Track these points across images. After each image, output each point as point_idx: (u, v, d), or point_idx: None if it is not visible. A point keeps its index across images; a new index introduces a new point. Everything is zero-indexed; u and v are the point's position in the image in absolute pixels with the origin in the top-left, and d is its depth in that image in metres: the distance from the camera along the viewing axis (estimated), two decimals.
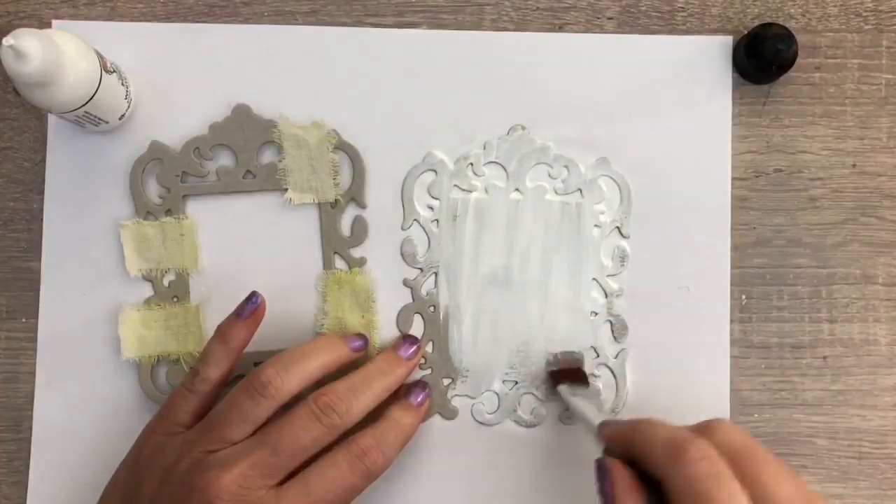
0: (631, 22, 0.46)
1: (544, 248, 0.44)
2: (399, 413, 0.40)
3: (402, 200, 0.44)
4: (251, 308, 0.40)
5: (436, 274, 0.44)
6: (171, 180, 0.44)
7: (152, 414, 0.40)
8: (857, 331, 0.45)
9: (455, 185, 0.44)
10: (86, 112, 0.40)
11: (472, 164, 0.44)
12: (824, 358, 0.45)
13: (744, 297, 0.45)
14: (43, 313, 0.44)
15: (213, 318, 0.44)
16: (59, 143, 0.44)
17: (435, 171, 0.45)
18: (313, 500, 0.36)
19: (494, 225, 0.44)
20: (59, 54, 0.36)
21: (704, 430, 0.35)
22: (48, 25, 0.45)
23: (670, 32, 0.46)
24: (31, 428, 0.44)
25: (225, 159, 0.44)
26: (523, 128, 0.45)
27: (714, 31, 0.46)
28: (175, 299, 0.44)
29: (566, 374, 0.43)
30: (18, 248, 0.45)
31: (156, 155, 0.44)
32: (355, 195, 0.44)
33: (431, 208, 0.45)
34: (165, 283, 0.44)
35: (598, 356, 0.44)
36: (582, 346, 0.44)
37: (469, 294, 0.44)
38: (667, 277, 0.44)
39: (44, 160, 0.45)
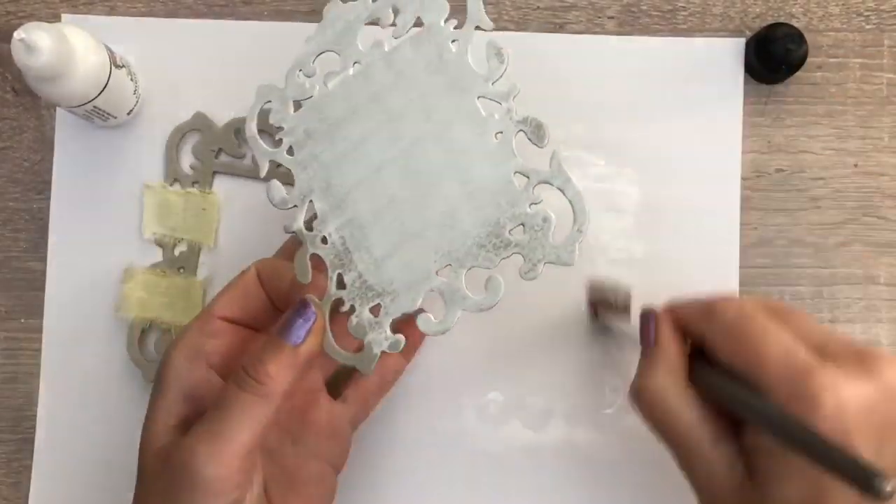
0: (632, 21, 0.45)
1: (410, 97, 0.36)
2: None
3: (251, 150, 0.38)
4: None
5: (311, 202, 0.36)
6: (205, 154, 0.44)
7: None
8: (859, 331, 0.45)
9: (293, 101, 0.37)
10: (95, 107, 0.40)
11: (300, 69, 0.37)
12: None
13: (745, 297, 0.45)
14: (48, 311, 0.44)
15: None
16: (66, 137, 0.45)
17: (269, 100, 0.37)
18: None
19: (350, 111, 0.37)
20: (69, 48, 0.36)
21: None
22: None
23: (671, 31, 0.45)
24: (31, 428, 0.44)
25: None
26: None
27: (716, 31, 0.45)
28: (181, 270, 0.44)
29: (610, 306, 0.42)
30: (18, 248, 0.45)
31: (197, 125, 0.44)
32: None
33: (280, 140, 0.37)
34: (176, 252, 0.44)
35: (528, 178, 0.35)
36: (505, 178, 0.35)
37: (356, 198, 0.36)
38: (676, 279, 0.44)
39: (43, 160, 0.45)
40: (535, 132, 0.35)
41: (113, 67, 0.39)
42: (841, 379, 0.30)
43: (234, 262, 0.44)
